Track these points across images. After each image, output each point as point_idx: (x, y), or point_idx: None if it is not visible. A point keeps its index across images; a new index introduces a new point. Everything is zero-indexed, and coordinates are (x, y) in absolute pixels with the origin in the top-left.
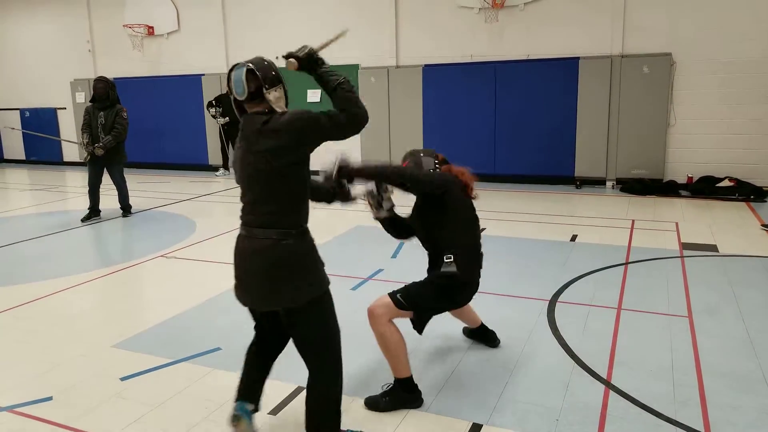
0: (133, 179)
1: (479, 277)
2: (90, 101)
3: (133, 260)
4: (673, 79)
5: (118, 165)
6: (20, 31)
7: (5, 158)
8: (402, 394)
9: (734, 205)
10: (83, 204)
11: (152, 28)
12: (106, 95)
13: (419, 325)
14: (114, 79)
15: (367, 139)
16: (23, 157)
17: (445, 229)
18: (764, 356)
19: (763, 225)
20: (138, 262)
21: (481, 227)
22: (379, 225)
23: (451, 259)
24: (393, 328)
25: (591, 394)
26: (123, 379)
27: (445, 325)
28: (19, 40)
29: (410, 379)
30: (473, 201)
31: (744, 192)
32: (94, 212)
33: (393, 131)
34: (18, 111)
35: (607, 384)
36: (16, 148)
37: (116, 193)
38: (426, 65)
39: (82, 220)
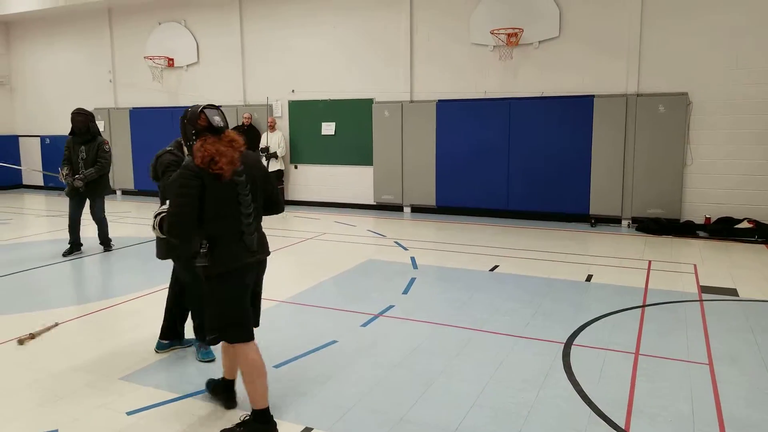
0: (148, 208)
1: (252, 257)
2: (69, 134)
3: (143, 290)
4: (689, 118)
5: (100, 198)
6: (44, 60)
7: (24, 184)
8: (255, 425)
9: (753, 248)
10: (124, 230)
11: (172, 59)
12: (86, 128)
13: (243, 335)
14: (133, 108)
15: (380, 172)
16: (41, 183)
17: (203, 223)
18: None
19: None
20: (149, 292)
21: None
22: (391, 259)
23: (202, 251)
24: (243, 358)
25: None
26: (129, 413)
27: (450, 375)
28: (43, 69)
29: (266, 410)
30: (229, 176)
31: (763, 234)
32: (75, 246)
33: (406, 165)
34: (39, 138)
35: None
36: (35, 174)
37: (129, 220)
38: (440, 100)
39: (64, 255)
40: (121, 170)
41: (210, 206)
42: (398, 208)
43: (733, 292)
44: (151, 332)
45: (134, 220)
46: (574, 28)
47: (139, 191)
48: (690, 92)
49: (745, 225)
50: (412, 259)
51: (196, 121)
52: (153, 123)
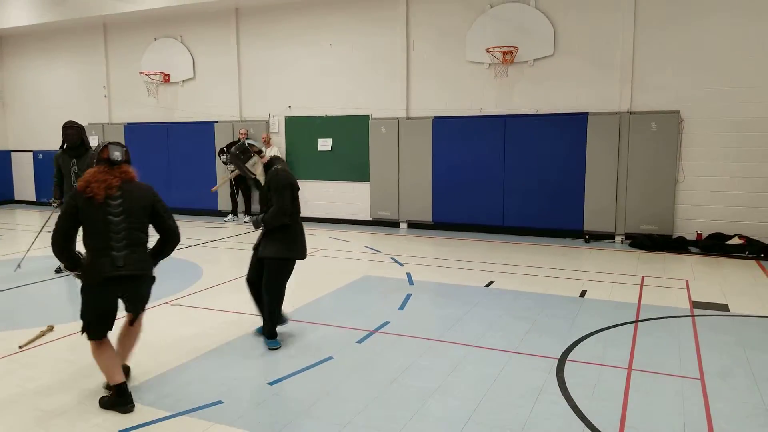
0: None
1: (116, 271)
2: (60, 148)
3: None
4: (681, 136)
5: None
6: (38, 75)
7: (16, 199)
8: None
9: (744, 263)
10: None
11: (168, 75)
12: (80, 141)
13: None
14: (128, 124)
15: (376, 188)
16: (34, 199)
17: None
18: None
19: None
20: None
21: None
22: (387, 275)
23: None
24: (96, 348)
25: None
26: None
27: (456, 388)
28: (36, 84)
29: (123, 384)
30: (101, 199)
31: (754, 250)
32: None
33: (402, 181)
34: (31, 153)
35: None
36: (27, 189)
37: None
38: (436, 117)
39: (56, 271)
40: None
41: (85, 223)
42: (394, 224)
43: (724, 307)
44: (146, 350)
45: None
46: (568, 46)
47: None
48: (682, 110)
49: (736, 241)
50: (408, 275)
51: (98, 153)
52: (148, 138)
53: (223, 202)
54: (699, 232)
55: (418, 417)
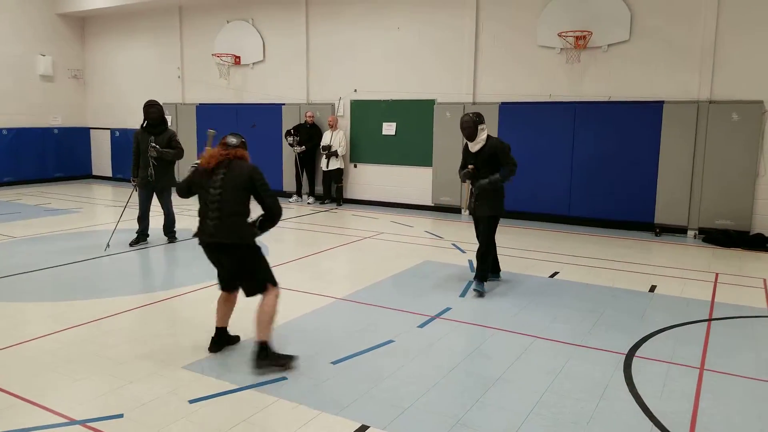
0: None
1: (203, 237)
2: (141, 126)
3: (206, 282)
4: (764, 127)
5: (168, 191)
6: (116, 55)
7: (94, 174)
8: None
9: None
10: (187, 223)
11: (239, 57)
12: (160, 119)
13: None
14: (199, 105)
15: (439, 174)
16: (110, 174)
17: None
18: None
19: None
20: (211, 284)
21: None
22: (448, 261)
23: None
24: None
25: None
26: (191, 402)
27: (514, 384)
28: (115, 64)
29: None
30: (210, 168)
31: None
32: (143, 236)
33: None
34: (109, 131)
35: None
36: (104, 165)
37: (190, 213)
38: (503, 103)
39: (131, 244)
40: (187, 164)
41: (196, 192)
42: (456, 210)
43: None
44: (213, 322)
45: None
46: (645, 31)
47: None
48: (766, 100)
49: None
50: (470, 262)
51: (221, 140)
52: (218, 119)
53: (288, 183)
54: None
55: (478, 405)
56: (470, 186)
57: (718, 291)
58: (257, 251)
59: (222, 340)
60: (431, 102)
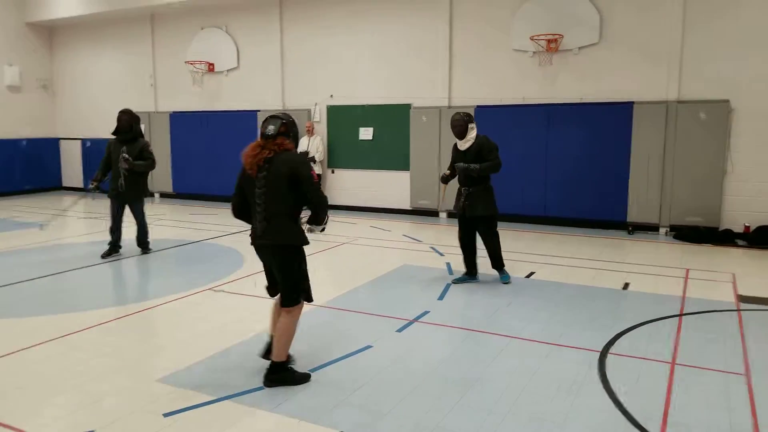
0: (185, 210)
1: (254, 239)
2: (112, 134)
3: (181, 292)
4: (730, 126)
5: (140, 202)
6: (86, 64)
7: (64, 186)
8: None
9: None
10: (162, 233)
11: (213, 64)
12: (129, 128)
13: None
14: (174, 112)
15: (416, 177)
16: (81, 185)
17: None
18: None
19: None
20: (186, 295)
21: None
22: (426, 265)
23: None
24: None
25: None
26: (166, 415)
27: (490, 378)
28: (85, 73)
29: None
30: (254, 174)
31: None
32: (114, 248)
33: (443, 170)
34: (80, 141)
35: None
36: (75, 176)
37: (166, 223)
38: (478, 106)
39: (103, 257)
40: (160, 173)
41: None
42: (434, 214)
43: None
44: (189, 334)
45: (171, 222)
46: (614, 34)
47: (177, 194)
48: (732, 99)
49: None
50: (448, 264)
51: (261, 126)
52: (192, 127)
53: None
54: (746, 224)
55: (457, 408)
56: (459, 187)
57: (689, 286)
58: (297, 258)
59: (278, 378)
60: (407, 106)
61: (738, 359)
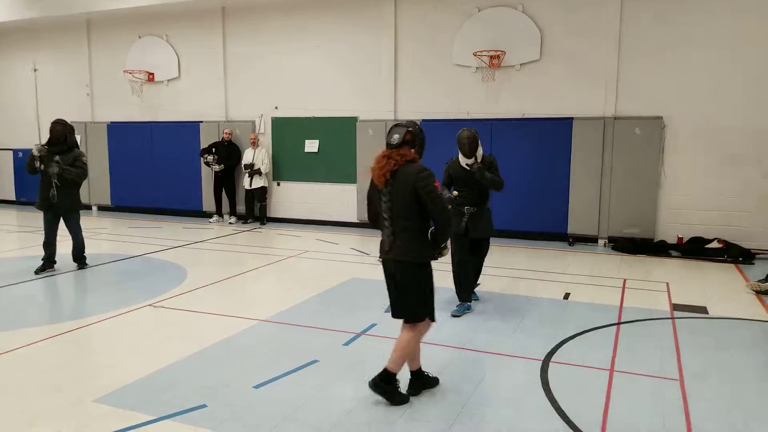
0: (125, 224)
1: (384, 254)
2: (45, 144)
3: (120, 309)
4: (664, 141)
5: (75, 214)
6: (20, 72)
7: None
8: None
9: (723, 267)
10: (99, 247)
11: (152, 74)
12: (63, 138)
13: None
14: (112, 123)
15: (363, 190)
16: (14, 198)
17: None
18: (754, 421)
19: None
20: (125, 311)
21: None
22: (374, 277)
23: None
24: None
25: None
26: None
27: (444, 382)
28: (19, 82)
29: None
30: (381, 188)
31: (733, 254)
32: (49, 263)
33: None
34: (11, 151)
35: None
36: (6, 188)
37: (104, 236)
38: (423, 120)
39: (36, 272)
40: (98, 185)
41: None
42: None
43: (703, 309)
44: (127, 352)
45: (110, 236)
46: (554, 51)
47: (115, 207)
48: (665, 116)
49: (715, 245)
50: None
51: (387, 134)
52: (132, 138)
53: (208, 203)
54: (680, 236)
55: (403, 420)
56: (458, 207)
57: (626, 296)
58: (423, 275)
59: (420, 384)
60: (353, 119)
61: (672, 365)
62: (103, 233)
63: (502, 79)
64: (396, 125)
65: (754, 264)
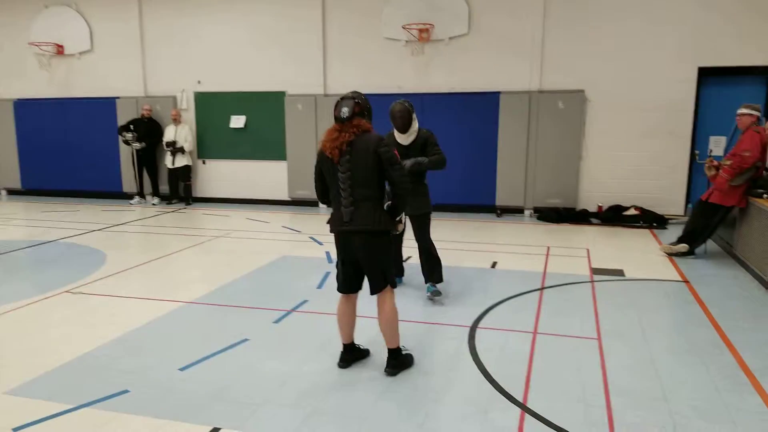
0: (38, 208)
1: (343, 226)
2: None
3: (35, 296)
4: (585, 114)
5: None
6: None
7: None
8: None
9: (639, 233)
10: (10, 233)
11: (62, 46)
12: None
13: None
14: (18, 100)
15: (294, 167)
16: None
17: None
18: (664, 375)
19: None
20: (41, 299)
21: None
22: (306, 255)
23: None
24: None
25: (508, 419)
26: (16, 429)
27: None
28: None
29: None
30: (335, 159)
31: (647, 220)
32: None
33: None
34: None
35: (523, 408)
36: None
37: (15, 222)
38: None
39: None
40: (6, 167)
41: (327, 179)
42: (314, 204)
43: (620, 272)
44: (43, 341)
45: (22, 221)
46: (482, 25)
47: (27, 190)
48: (586, 90)
49: (632, 212)
50: (327, 253)
51: (334, 109)
52: (42, 115)
53: (128, 184)
54: (600, 204)
55: (335, 390)
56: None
57: (549, 262)
58: (386, 243)
59: (351, 357)
60: (281, 94)
61: (591, 325)
62: (15, 219)
63: (432, 54)
64: (342, 98)
65: (667, 228)
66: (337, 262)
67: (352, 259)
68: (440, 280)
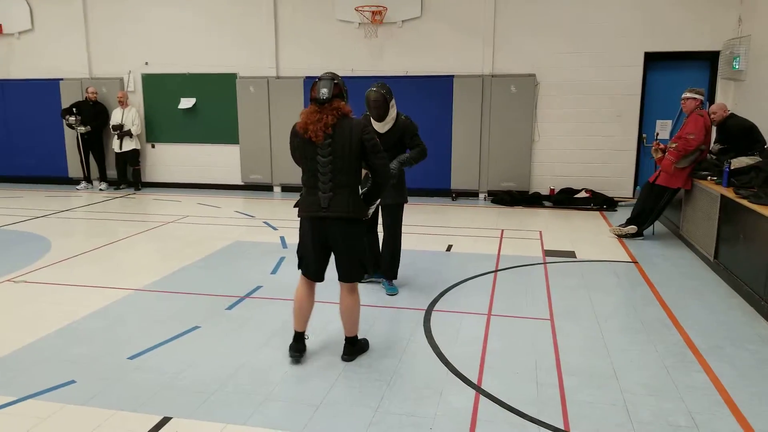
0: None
1: (319, 212)
2: None
3: None
4: (537, 98)
5: None
6: None
7: None
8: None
9: (590, 215)
10: None
11: (0, 25)
12: None
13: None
14: None
15: (247, 151)
16: None
17: None
18: (615, 354)
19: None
20: None
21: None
22: (259, 240)
23: None
24: (298, 284)
25: (463, 400)
26: None
27: (325, 340)
28: None
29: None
30: (319, 140)
31: (598, 202)
32: None
33: (275, 143)
34: None
35: (478, 389)
36: None
37: None
38: (307, 77)
39: None
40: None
41: (302, 160)
42: (268, 188)
43: (571, 254)
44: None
45: None
46: (434, 8)
47: None
48: (537, 74)
49: (583, 195)
50: (282, 238)
51: (311, 90)
52: None
53: (74, 169)
54: (552, 187)
55: (288, 376)
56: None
57: (503, 245)
58: (362, 228)
59: (302, 346)
60: (233, 76)
61: (543, 306)
62: None
63: (385, 36)
64: (320, 79)
65: (616, 210)
66: (302, 248)
67: (324, 244)
68: (396, 277)
